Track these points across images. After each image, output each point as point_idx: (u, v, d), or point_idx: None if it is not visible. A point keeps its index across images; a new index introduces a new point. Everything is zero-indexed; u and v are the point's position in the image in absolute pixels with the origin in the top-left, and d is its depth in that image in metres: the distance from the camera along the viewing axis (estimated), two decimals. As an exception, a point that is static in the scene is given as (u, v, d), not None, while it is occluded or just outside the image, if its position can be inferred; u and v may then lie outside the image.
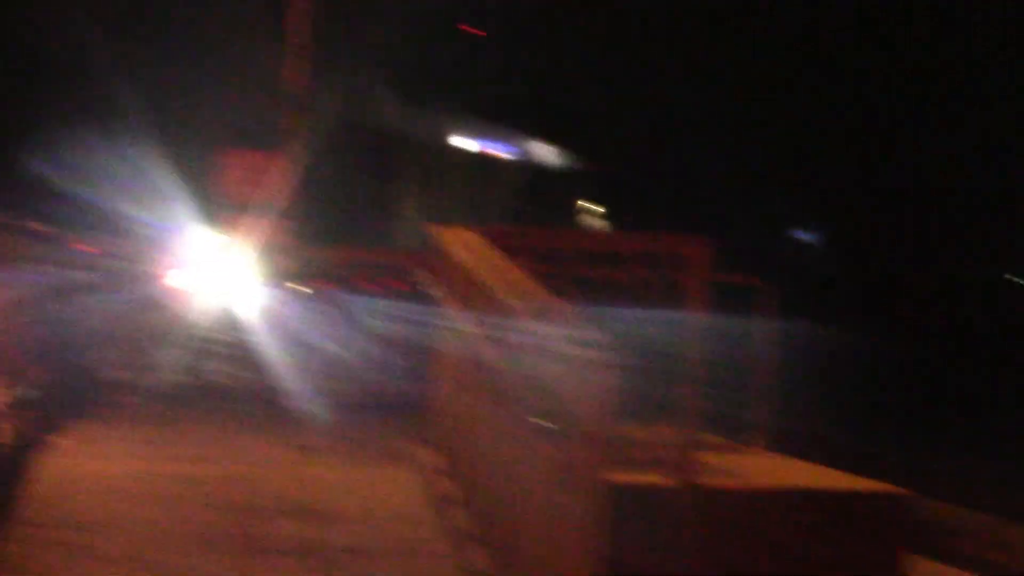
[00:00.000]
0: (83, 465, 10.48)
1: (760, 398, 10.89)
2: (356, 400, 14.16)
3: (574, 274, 9.82)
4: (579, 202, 23.40)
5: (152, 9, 26.33)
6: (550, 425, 6.04)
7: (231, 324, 15.36)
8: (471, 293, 8.56)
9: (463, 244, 9.25)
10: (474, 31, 38.84)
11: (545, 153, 42.89)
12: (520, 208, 40.57)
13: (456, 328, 9.11)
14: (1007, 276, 39.90)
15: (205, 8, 27.83)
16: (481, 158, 42.91)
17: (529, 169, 43.23)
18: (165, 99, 25.14)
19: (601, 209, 27.34)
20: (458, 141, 42.30)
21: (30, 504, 9.10)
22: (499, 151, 43.02)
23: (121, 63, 26.54)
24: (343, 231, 28.00)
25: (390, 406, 13.31)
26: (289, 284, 15.62)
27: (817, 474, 10.35)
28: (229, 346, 15.43)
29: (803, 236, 34.10)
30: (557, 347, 6.12)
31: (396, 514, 9.27)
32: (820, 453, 11.00)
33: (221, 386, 14.77)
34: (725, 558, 9.38)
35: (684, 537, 9.22)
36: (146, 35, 26.20)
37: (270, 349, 14.74)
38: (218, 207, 19.16)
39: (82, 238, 15.41)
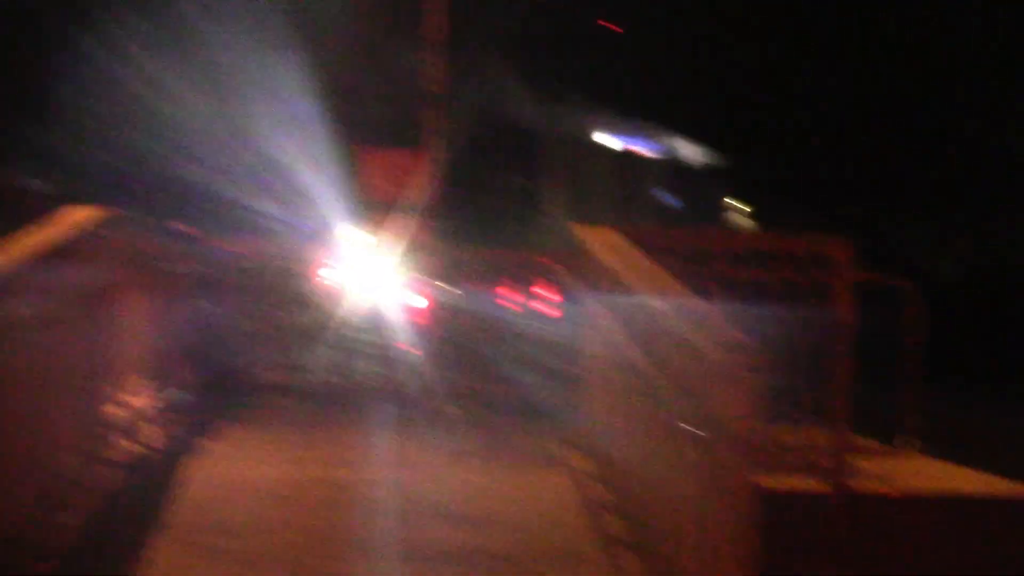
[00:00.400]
0: (235, 469, 10.48)
1: (911, 400, 10.74)
2: (505, 402, 14.11)
3: (718, 274, 9.75)
4: (725, 200, 23.21)
5: (296, 8, 26.48)
6: (698, 430, 6.00)
7: (380, 324, 15.39)
8: (616, 294, 8.53)
9: (607, 245, 9.22)
10: (611, 27, 38.65)
11: (690, 150, 42.61)
12: (665, 206, 40.35)
13: (603, 330, 9.08)
14: None
15: (347, 5, 27.99)
16: (625, 156, 42.68)
17: (674, 167, 42.97)
18: (310, 98, 25.30)
19: (747, 207, 27.19)
20: (602, 138, 42.11)
21: (182, 509, 9.11)
22: (643, 148, 42.80)
23: (263, 63, 26.80)
24: (486, 230, 28.02)
25: (539, 409, 13.24)
26: (435, 283, 15.62)
27: (972, 479, 10.18)
28: (378, 346, 15.46)
29: (949, 237, 33.50)
30: (703, 349, 6.07)
31: (550, 520, 9.16)
32: (975, 456, 10.82)
33: (371, 387, 14.79)
34: (877, 565, 9.27)
35: (836, 544, 9.14)
36: (285, 37, 26.38)
37: (418, 350, 14.77)
38: (364, 205, 19.27)
39: (228, 238, 15.52)
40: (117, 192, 9.99)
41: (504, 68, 30.97)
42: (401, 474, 10.52)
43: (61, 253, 8.33)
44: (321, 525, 8.93)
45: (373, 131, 24.63)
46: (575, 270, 10.66)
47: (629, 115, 40.60)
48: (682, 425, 6.23)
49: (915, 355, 10.60)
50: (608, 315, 8.63)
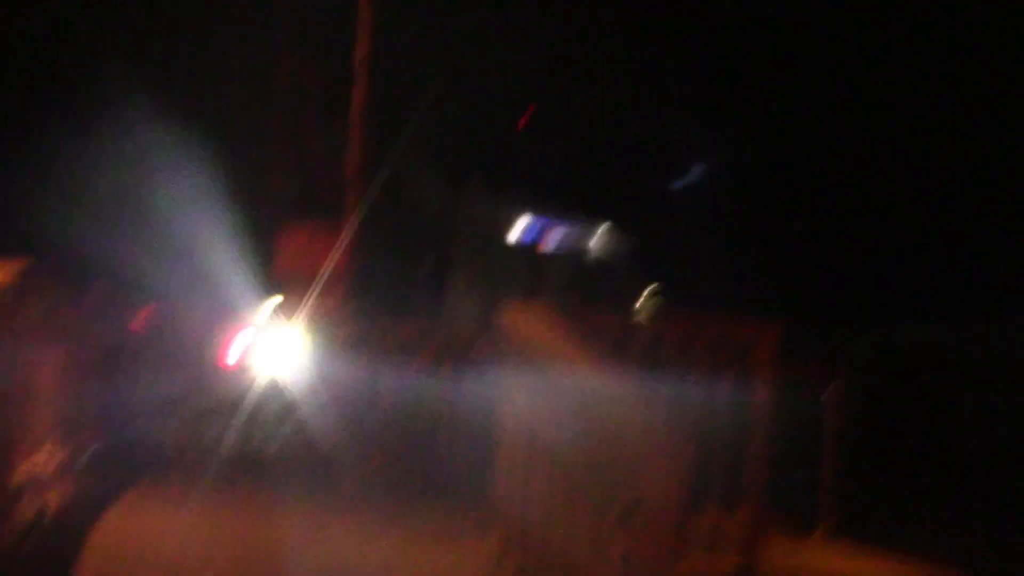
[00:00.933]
0: (137, 538, 10.35)
1: (829, 484, 10.76)
2: (419, 477, 14.00)
3: (640, 356, 9.75)
4: (645, 285, 23.31)
5: (212, 84, 26.42)
6: (618, 509, 5.92)
7: (289, 397, 15.27)
8: (535, 370, 8.46)
9: (530, 322, 9.15)
10: (522, 121, 38.91)
11: (603, 235, 42.83)
12: (576, 292, 40.47)
13: (523, 406, 8.99)
14: None
15: (269, 83, 27.99)
16: (539, 237, 42.87)
17: (586, 253, 43.16)
18: (226, 173, 25.19)
19: (660, 291, 27.35)
20: (513, 226, 42.30)
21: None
22: (553, 233, 42.99)
23: (175, 137, 26.72)
24: (398, 306, 27.96)
25: (455, 484, 13.16)
26: (349, 357, 15.51)
27: (886, 565, 10.20)
28: (287, 420, 15.34)
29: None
30: (627, 428, 6.01)
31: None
32: (894, 542, 10.83)
33: (282, 460, 14.65)
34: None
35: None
36: (207, 109, 26.32)
37: (329, 424, 14.64)
38: (280, 280, 19.18)
39: (138, 307, 15.35)
40: (28, 255, 9.83)
41: (421, 155, 31.05)
42: (314, 547, 10.40)
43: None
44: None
45: (291, 207, 24.53)
46: (494, 345, 10.57)
47: (540, 203, 40.83)
48: (603, 503, 6.14)
49: (836, 439, 10.63)
50: (529, 391, 8.54)
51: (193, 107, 26.50)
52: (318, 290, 18.43)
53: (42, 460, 10.51)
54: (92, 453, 12.45)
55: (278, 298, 18.34)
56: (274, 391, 15.37)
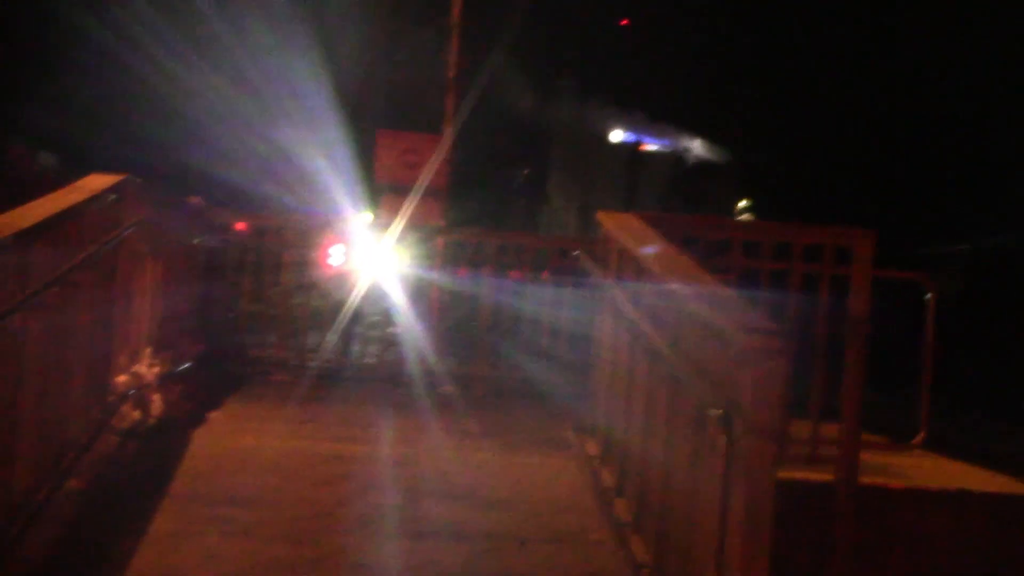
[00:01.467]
0: (237, 440, 10.45)
1: (924, 397, 10.64)
2: (515, 388, 14.00)
3: (737, 264, 9.67)
4: (739, 203, 23.20)
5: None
6: (716, 413, 5.85)
7: (387, 307, 15.30)
8: (635, 278, 8.40)
9: (629, 230, 9.08)
10: (623, 22, 38.58)
11: (697, 145, 42.57)
12: (673, 201, 40.30)
13: (618, 313, 8.93)
14: None
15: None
16: (634, 150, 42.68)
17: (682, 163, 42.95)
18: (327, 83, 25.20)
19: (752, 202, 27.04)
20: (612, 133, 42.11)
21: (186, 479, 9.08)
22: (652, 144, 42.76)
23: (281, 49, 26.73)
24: (496, 215, 27.98)
25: (551, 395, 13.13)
26: (444, 267, 15.50)
27: (979, 476, 10.10)
28: (383, 329, 15.38)
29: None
30: (727, 333, 5.93)
31: (560, 503, 9.13)
32: (984, 455, 10.72)
33: (375, 368, 14.70)
34: (882, 557, 9.22)
35: (842, 536, 9.07)
36: (305, 23, 26.31)
37: (424, 334, 14.65)
38: (377, 189, 19.19)
39: (239, 218, 15.38)
40: (133, 171, 9.88)
41: (517, 60, 30.88)
42: (407, 451, 10.46)
43: (78, 219, 8.22)
44: (324, 498, 8.87)
45: (389, 115, 24.52)
46: (593, 254, 10.50)
47: (637, 109, 40.61)
48: (705, 412, 6.07)
49: (930, 352, 10.49)
50: (627, 300, 8.48)
51: (290, 14, 26.51)
52: (417, 198, 18.43)
53: (144, 366, 10.60)
54: (193, 359, 12.55)
55: (378, 208, 18.38)
56: (373, 298, 15.41)
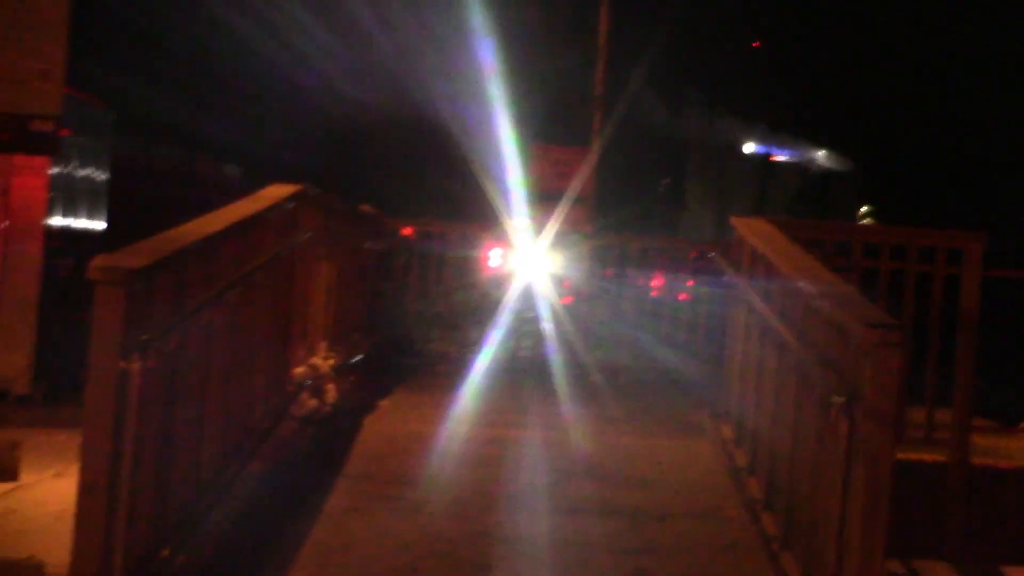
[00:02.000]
0: (405, 426, 10.59)
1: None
2: (656, 378, 13.96)
3: (858, 264, 9.63)
4: (860, 208, 22.91)
5: (470, 13, 26.49)
6: (839, 400, 5.75)
7: (538, 305, 15.31)
8: (765, 277, 8.34)
9: (759, 233, 9.02)
10: (754, 44, 38.29)
11: (823, 157, 42.24)
12: (799, 207, 39.98)
13: (750, 309, 8.85)
14: None
15: (523, 16, 28.04)
16: (764, 160, 42.47)
17: (808, 172, 42.63)
18: (494, 98, 25.30)
19: (872, 207, 26.64)
20: (745, 145, 41.95)
21: (357, 460, 9.19)
22: (781, 155, 42.49)
23: (458, 64, 26.93)
24: (638, 221, 27.92)
25: (686, 382, 13.06)
26: (593, 268, 15.51)
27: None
28: (536, 325, 15.37)
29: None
30: (849, 327, 5.85)
31: (697, 483, 9.10)
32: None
33: (529, 360, 14.69)
34: (992, 533, 9.09)
35: (955, 516, 8.97)
36: (462, 41, 26.45)
37: (573, 329, 14.65)
38: (532, 197, 19.28)
39: (406, 223, 15.52)
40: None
41: (656, 79, 30.78)
42: (557, 436, 10.52)
43: (260, 225, 8.28)
44: (482, 478, 8.92)
45: (542, 130, 24.54)
46: (727, 256, 10.45)
47: (766, 123, 40.41)
48: (829, 399, 5.98)
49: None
50: (758, 296, 8.38)
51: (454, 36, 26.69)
52: (567, 205, 18.45)
53: (320, 358, 10.68)
54: (364, 352, 12.63)
55: (533, 214, 18.41)
56: (527, 296, 15.44)
